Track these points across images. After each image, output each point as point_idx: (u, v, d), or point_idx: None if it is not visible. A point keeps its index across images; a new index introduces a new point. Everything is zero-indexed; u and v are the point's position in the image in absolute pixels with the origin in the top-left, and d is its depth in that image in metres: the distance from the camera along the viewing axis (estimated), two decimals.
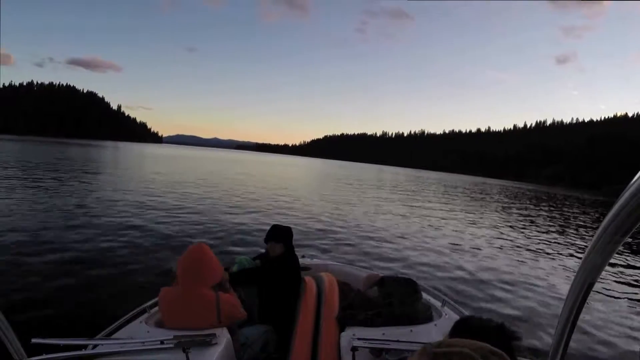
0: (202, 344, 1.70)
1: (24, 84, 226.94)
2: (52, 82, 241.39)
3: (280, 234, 2.77)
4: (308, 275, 2.90)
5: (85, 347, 1.72)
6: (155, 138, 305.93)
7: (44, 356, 1.56)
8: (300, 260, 3.49)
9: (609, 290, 6.57)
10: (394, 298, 2.11)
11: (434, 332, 2.00)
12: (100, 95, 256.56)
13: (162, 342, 1.66)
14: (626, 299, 6.20)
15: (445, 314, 2.31)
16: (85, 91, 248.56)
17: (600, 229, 0.72)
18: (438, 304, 2.51)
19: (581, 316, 0.89)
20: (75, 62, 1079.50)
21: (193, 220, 8.75)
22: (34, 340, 1.61)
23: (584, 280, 0.82)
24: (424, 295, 2.53)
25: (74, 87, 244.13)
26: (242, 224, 8.96)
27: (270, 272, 2.68)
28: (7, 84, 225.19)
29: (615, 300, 6.06)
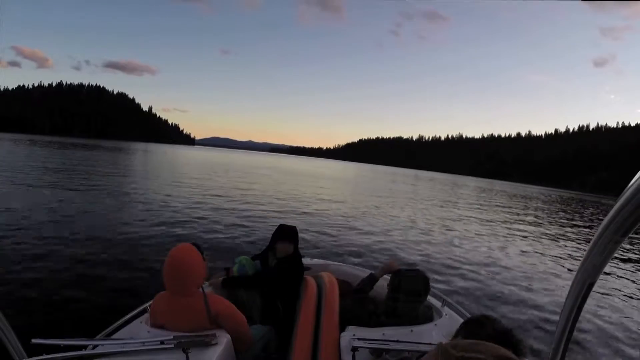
0: (202, 344, 1.69)
1: (53, 84, 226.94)
2: (82, 83, 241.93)
3: (291, 233, 2.75)
4: (308, 275, 2.90)
5: (85, 347, 1.72)
6: (187, 140, 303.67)
7: (44, 356, 1.55)
8: None
9: (609, 289, 6.57)
10: (401, 294, 2.10)
11: (434, 332, 2.00)
12: (130, 96, 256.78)
13: (162, 342, 1.66)
14: (626, 298, 6.20)
15: (445, 314, 2.31)
16: (115, 92, 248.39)
17: (600, 229, 0.71)
18: (438, 304, 2.51)
19: (581, 316, 0.89)
20: (112, 66, 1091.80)
21: (199, 222, 8.74)
22: (34, 341, 1.60)
23: (584, 281, 0.82)
24: None
25: (103, 87, 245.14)
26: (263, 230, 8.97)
27: (284, 272, 2.65)
28: (36, 84, 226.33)
29: (616, 299, 6.06)
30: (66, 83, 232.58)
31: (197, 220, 8.88)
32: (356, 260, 6.58)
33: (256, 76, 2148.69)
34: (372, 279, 2.49)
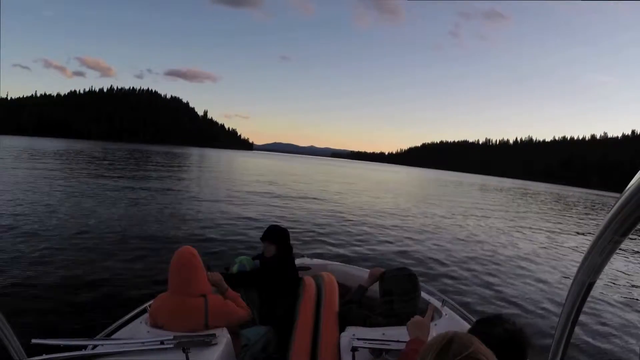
0: (202, 344, 1.70)
1: (104, 89, 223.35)
2: (134, 87, 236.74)
3: (275, 235, 2.77)
4: (308, 275, 2.90)
5: (85, 347, 1.72)
6: (245, 145, 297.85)
7: (44, 356, 1.56)
8: (301, 260, 3.49)
9: (609, 289, 6.56)
10: (394, 296, 2.11)
11: (434, 332, 2.00)
12: (184, 100, 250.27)
13: (162, 343, 1.66)
14: (626, 298, 6.20)
15: (445, 314, 2.31)
16: (168, 97, 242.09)
17: (600, 229, 0.71)
18: (438, 304, 2.50)
19: (581, 316, 0.88)
20: (173, 73, 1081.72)
21: (202, 224, 8.71)
22: (34, 341, 1.61)
23: (584, 281, 0.81)
24: (424, 294, 2.53)
25: (155, 92, 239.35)
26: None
27: (264, 273, 2.69)
28: (87, 89, 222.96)
29: (615, 299, 6.05)
30: (117, 87, 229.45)
31: (200, 221, 8.88)
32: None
33: (316, 81, 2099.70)
34: (361, 290, 2.49)
